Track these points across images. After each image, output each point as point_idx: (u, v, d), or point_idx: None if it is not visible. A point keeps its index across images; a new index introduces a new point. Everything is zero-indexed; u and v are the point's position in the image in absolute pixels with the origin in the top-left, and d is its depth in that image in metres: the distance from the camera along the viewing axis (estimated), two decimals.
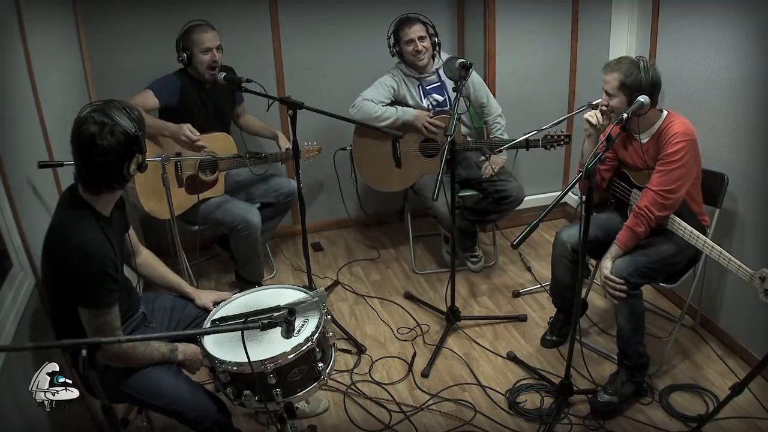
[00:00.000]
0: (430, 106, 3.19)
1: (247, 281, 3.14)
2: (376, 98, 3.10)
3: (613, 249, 2.28)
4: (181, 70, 2.94)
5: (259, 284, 3.18)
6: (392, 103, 3.16)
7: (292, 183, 3.18)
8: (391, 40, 3.12)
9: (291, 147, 2.95)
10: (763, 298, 1.88)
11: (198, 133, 2.82)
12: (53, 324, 1.81)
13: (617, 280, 2.19)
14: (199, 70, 2.85)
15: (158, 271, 2.13)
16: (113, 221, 1.79)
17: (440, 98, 3.20)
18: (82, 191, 1.69)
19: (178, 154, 2.84)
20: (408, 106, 3.16)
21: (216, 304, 2.07)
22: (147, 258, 2.13)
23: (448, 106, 3.19)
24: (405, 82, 3.17)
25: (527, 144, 2.84)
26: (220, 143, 2.94)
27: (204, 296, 2.11)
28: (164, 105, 2.84)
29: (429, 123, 3.09)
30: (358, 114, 3.06)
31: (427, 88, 3.19)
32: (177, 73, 2.92)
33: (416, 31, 3.04)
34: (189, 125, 2.81)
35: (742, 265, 1.97)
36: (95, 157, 1.59)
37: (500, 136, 3.19)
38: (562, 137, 2.88)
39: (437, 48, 3.14)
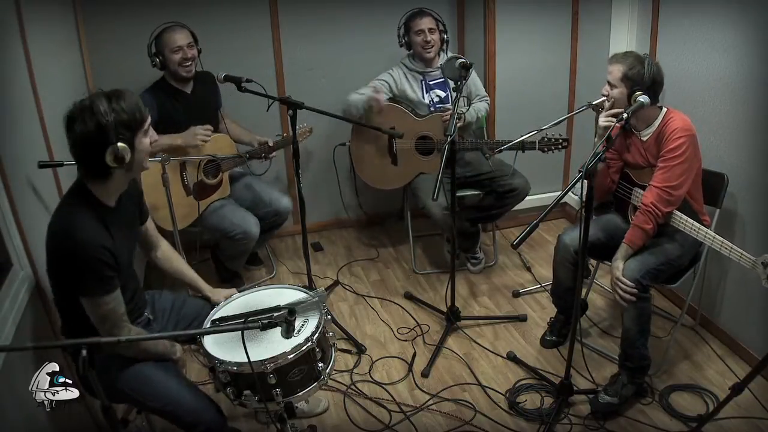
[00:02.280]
0: (432, 102, 3.19)
1: (226, 270, 3.20)
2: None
3: (623, 249, 2.27)
4: (154, 85, 2.91)
5: (237, 275, 3.26)
6: (391, 99, 3.15)
7: (282, 201, 3.12)
8: (401, 31, 3.15)
9: (273, 141, 2.97)
10: (765, 284, 1.88)
11: (210, 128, 2.81)
12: (62, 318, 1.81)
13: (629, 283, 2.17)
14: (172, 69, 2.83)
15: (176, 266, 2.13)
16: (120, 210, 1.77)
17: (443, 94, 3.20)
18: (83, 178, 1.68)
19: (183, 164, 2.84)
20: (408, 100, 3.17)
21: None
22: (166, 251, 2.12)
23: (450, 103, 3.19)
24: (407, 77, 3.18)
25: (523, 146, 2.83)
26: (221, 144, 2.94)
27: (218, 294, 2.10)
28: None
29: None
30: (343, 112, 3.07)
31: (431, 83, 3.20)
32: (148, 91, 2.88)
33: (427, 22, 3.08)
34: (196, 127, 2.80)
35: (744, 252, 1.97)
36: (72, 142, 1.59)
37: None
38: (560, 141, 2.84)
39: (445, 45, 3.17)
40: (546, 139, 2.82)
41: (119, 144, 1.58)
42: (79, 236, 1.59)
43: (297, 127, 3.00)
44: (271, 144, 3.00)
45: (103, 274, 1.62)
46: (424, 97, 3.19)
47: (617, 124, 2.05)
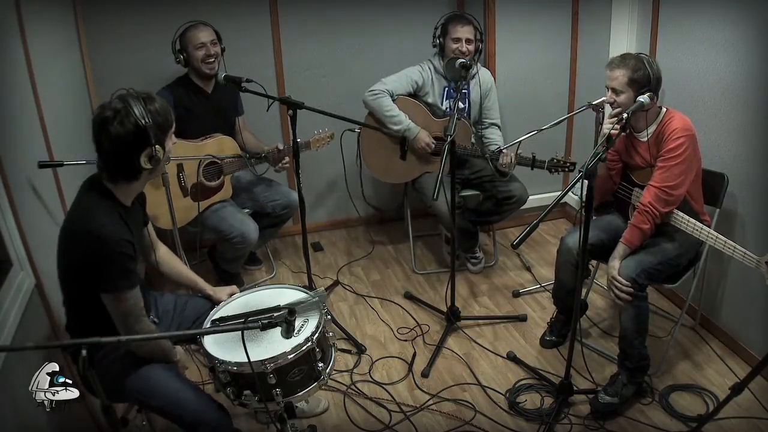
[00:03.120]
0: (449, 109, 3.17)
1: (224, 271, 3.19)
2: (396, 90, 3.07)
3: (620, 248, 2.27)
4: (176, 81, 2.93)
5: (237, 275, 3.25)
6: (411, 96, 3.13)
7: (291, 194, 3.12)
8: (438, 32, 3.08)
9: (284, 146, 2.95)
10: None
11: None
12: (70, 317, 1.80)
13: (625, 282, 2.17)
14: (195, 65, 2.85)
15: (176, 268, 2.14)
16: (133, 212, 1.79)
17: (461, 105, 3.17)
18: (104, 179, 1.69)
19: (180, 166, 2.83)
20: (427, 103, 3.14)
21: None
22: (165, 254, 2.13)
23: (466, 114, 3.19)
24: (433, 79, 3.13)
25: (533, 164, 2.84)
26: (224, 146, 2.92)
27: (220, 292, 2.10)
28: None
29: (426, 146, 3.07)
30: (373, 102, 3.03)
31: (452, 92, 3.15)
32: (168, 87, 2.90)
33: (467, 32, 2.98)
34: None
35: (748, 252, 1.97)
36: (105, 144, 1.59)
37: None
38: (567, 164, 2.82)
39: (478, 55, 3.07)
40: (555, 160, 2.82)
41: (156, 146, 1.61)
42: (103, 232, 1.59)
43: (316, 132, 3.03)
44: (281, 147, 2.97)
45: (127, 267, 1.63)
46: (442, 103, 3.16)
47: (618, 125, 2.05)
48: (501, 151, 2.93)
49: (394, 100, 3.07)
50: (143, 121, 1.57)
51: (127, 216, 1.71)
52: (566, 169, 2.84)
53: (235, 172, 3.01)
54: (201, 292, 2.12)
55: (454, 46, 3.00)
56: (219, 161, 2.88)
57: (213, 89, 2.97)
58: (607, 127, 2.24)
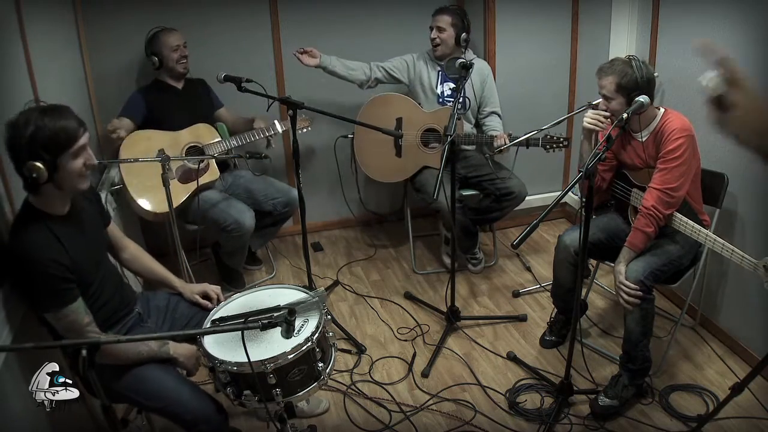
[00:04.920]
0: (443, 93, 3.23)
1: (228, 267, 3.20)
2: (387, 65, 3.25)
3: (626, 253, 2.25)
4: (147, 85, 3.02)
5: (239, 275, 3.28)
6: (406, 81, 3.27)
7: (291, 192, 3.13)
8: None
9: (267, 127, 3.02)
10: (767, 286, 1.88)
11: (114, 124, 2.77)
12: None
13: (633, 286, 2.16)
14: (170, 65, 2.95)
15: (146, 265, 2.12)
16: (75, 215, 1.75)
17: (453, 86, 3.20)
18: (29, 195, 1.66)
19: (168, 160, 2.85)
20: (421, 86, 3.25)
21: (205, 296, 2.09)
22: (134, 252, 2.12)
23: (462, 97, 3.22)
24: (427, 65, 3.25)
25: (527, 142, 2.85)
26: (202, 131, 2.99)
27: (190, 289, 2.11)
28: (140, 121, 2.90)
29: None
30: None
31: (446, 76, 3.23)
32: (139, 90, 2.99)
33: (438, 20, 3.12)
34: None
35: (746, 255, 1.97)
36: (10, 156, 1.57)
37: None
38: (562, 140, 2.84)
39: (462, 43, 3.14)
40: (549, 137, 2.84)
41: (30, 162, 1.53)
42: (27, 254, 1.57)
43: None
44: (262, 125, 3.05)
45: (55, 287, 1.60)
46: (437, 87, 3.23)
47: (616, 125, 2.04)
48: (501, 150, 2.94)
49: (377, 79, 3.23)
50: (20, 135, 1.51)
51: (61, 226, 1.66)
52: (561, 145, 2.87)
53: (220, 155, 2.99)
54: (172, 289, 2.12)
55: (430, 33, 3.14)
56: (200, 145, 2.93)
57: (183, 86, 3.06)
58: (588, 121, 2.27)
